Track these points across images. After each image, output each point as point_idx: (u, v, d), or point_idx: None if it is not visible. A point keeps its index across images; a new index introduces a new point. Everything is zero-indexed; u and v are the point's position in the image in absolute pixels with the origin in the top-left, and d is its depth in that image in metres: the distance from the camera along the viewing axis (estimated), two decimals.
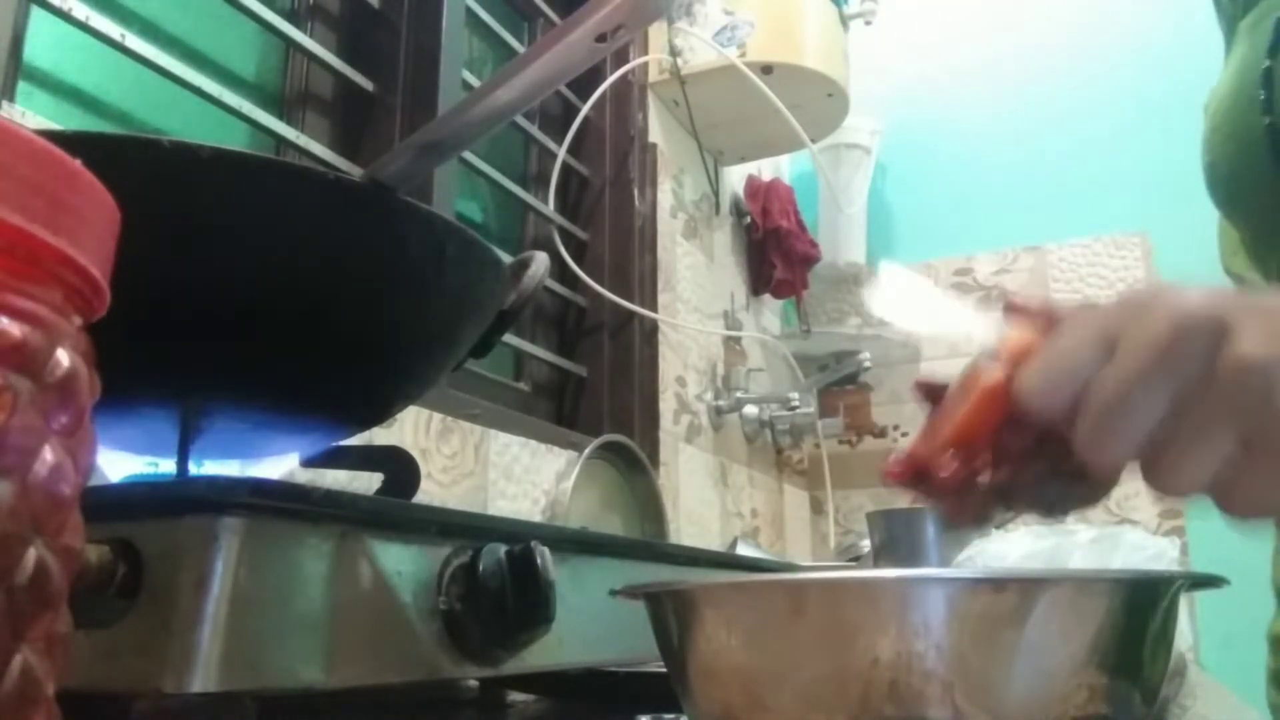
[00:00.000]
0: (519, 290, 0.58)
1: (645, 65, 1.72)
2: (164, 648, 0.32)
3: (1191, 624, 1.69)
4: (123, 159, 0.40)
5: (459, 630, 0.41)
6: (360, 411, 0.56)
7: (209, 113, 0.97)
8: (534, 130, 1.55)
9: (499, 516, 0.66)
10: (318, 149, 1.11)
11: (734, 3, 1.69)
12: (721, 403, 1.83)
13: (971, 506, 0.41)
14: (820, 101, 1.76)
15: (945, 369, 0.42)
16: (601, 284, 1.54)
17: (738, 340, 1.97)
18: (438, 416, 1.10)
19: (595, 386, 1.56)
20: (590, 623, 0.50)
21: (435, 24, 1.24)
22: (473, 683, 0.63)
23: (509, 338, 1.29)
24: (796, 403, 1.91)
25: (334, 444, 0.58)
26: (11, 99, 0.79)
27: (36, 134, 0.19)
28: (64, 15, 0.82)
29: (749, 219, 2.04)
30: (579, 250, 1.60)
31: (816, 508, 2.23)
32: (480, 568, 0.42)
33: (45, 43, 0.85)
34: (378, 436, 0.92)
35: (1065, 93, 2.18)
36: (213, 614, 0.32)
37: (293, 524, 0.36)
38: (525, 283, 0.59)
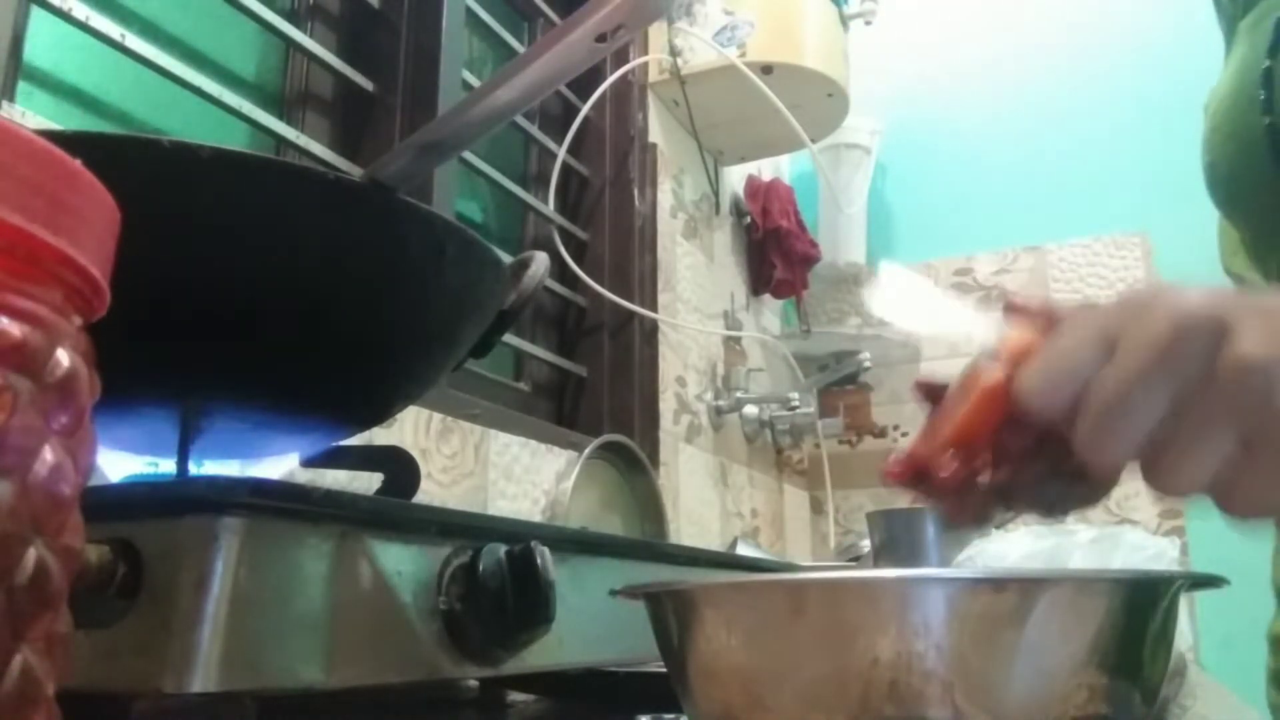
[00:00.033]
0: (519, 290, 0.58)
1: (645, 65, 1.72)
2: (164, 648, 0.32)
3: (1191, 624, 1.69)
4: (123, 159, 0.40)
5: (459, 630, 0.41)
6: (360, 411, 0.56)
7: (209, 113, 0.97)
8: (534, 130, 1.55)
9: (499, 516, 0.66)
10: (318, 149, 1.11)
11: (734, 3, 1.69)
12: (721, 403, 1.83)
13: (971, 506, 0.41)
14: (820, 101, 1.76)
15: (945, 369, 0.42)
16: (601, 284, 1.54)
17: (738, 340, 1.97)
18: (438, 416, 1.10)
19: (595, 386, 1.56)
20: (590, 623, 0.50)
21: (435, 24, 1.24)
22: (473, 683, 0.63)
23: (509, 338, 1.29)
24: (796, 403, 1.91)
25: (334, 444, 0.58)
26: (11, 99, 0.79)
27: (36, 134, 0.19)
28: (64, 15, 0.82)
29: (749, 219, 2.04)
30: (579, 250, 1.60)
31: (816, 508, 2.23)
32: (480, 568, 0.42)
33: (45, 43, 0.85)
34: (378, 436, 0.92)
35: (1065, 93, 2.18)
36: (213, 614, 0.32)
37: (293, 524, 0.36)
38: (525, 283, 0.59)
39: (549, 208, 1.52)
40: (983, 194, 2.23)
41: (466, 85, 1.28)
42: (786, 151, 2.09)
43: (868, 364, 2.03)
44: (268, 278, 0.44)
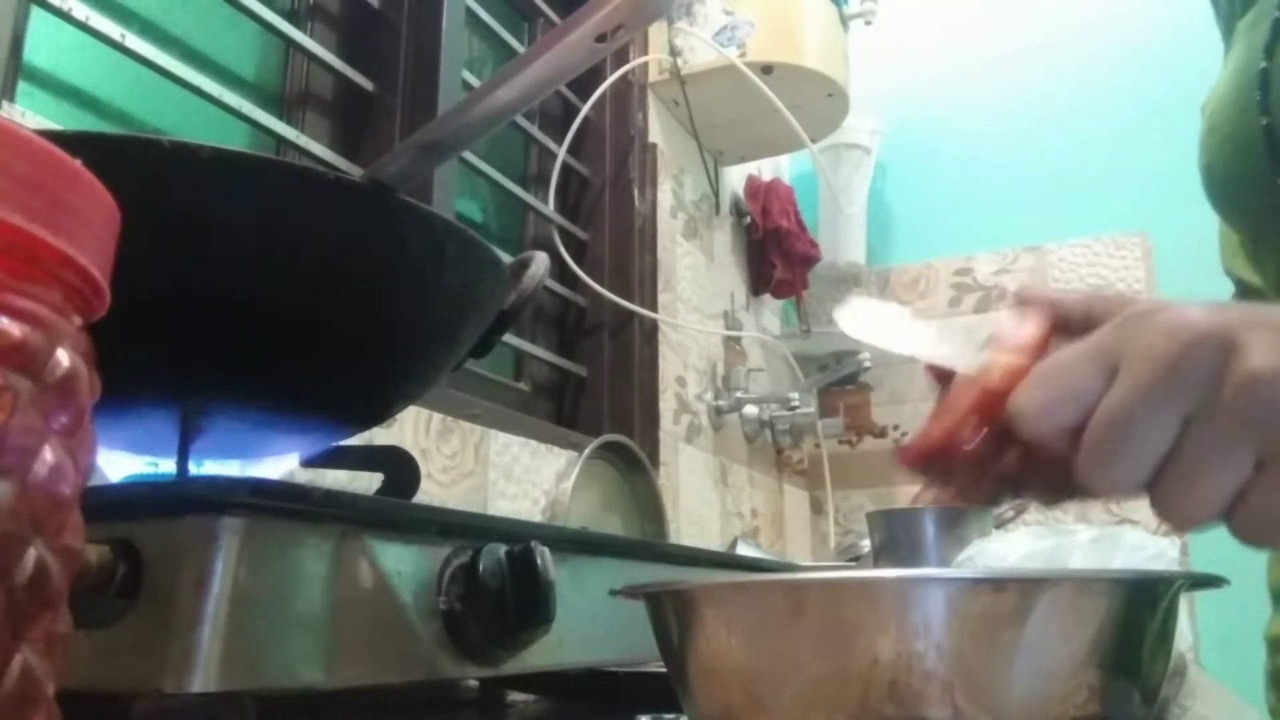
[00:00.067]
0: (519, 290, 0.58)
1: (645, 65, 1.72)
2: (164, 648, 0.32)
3: (1191, 624, 1.69)
4: (123, 159, 0.40)
5: (459, 630, 0.41)
6: (360, 411, 0.56)
7: (209, 113, 0.97)
8: (534, 130, 1.55)
9: (499, 516, 0.66)
10: (318, 149, 1.11)
11: (734, 3, 1.69)
12: (721, 403, 1.83)
13: (986, 485, 0.41)
14: (820, 101, 1.76)
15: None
16: (601, 284, 1.54)
17: (738, 340, 1.97)
18: (438, 416, 1.10)
19: (595, 386, 1.56)
20: (590, 623, 0.50)
21: (435, 24, 1.24)
22: (473, 683, 0.63)
23: (509, 338, 1.29)
24: (796, 403, 1.91)
25: (334, 444, 0.58)
26: (11, 99, 0.79)
27: (36, 134, 0.19)
28: (64, 15, 0.82)
29: (749, 219, 2.04)
30: (579, 250, 1.60)
31: (816, 508, 2.23)
32: (480, 568, 0.42)
33: (45, 43, 0.85)
34: (378, 436, 0.92)
35: (1065, 93, 2.18)
36: (213, 614, 0.32)
37: (293, 524, 0.36)
38: (525, 283, 0.59)
39: (549, 208, 1.52)
40: (983, 194, 2.23)
41: (466, 85, 1.28)
42: (786, 151, 2.10)
43: (868, 364, 2.03)
44: (268, 278, 0.44)
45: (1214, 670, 0.73)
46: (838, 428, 2.08)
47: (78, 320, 0.21)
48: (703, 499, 1.72)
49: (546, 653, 0.46)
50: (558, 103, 1.65)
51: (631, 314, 1.57)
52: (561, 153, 1.53)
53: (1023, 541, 0.64)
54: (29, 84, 0.84)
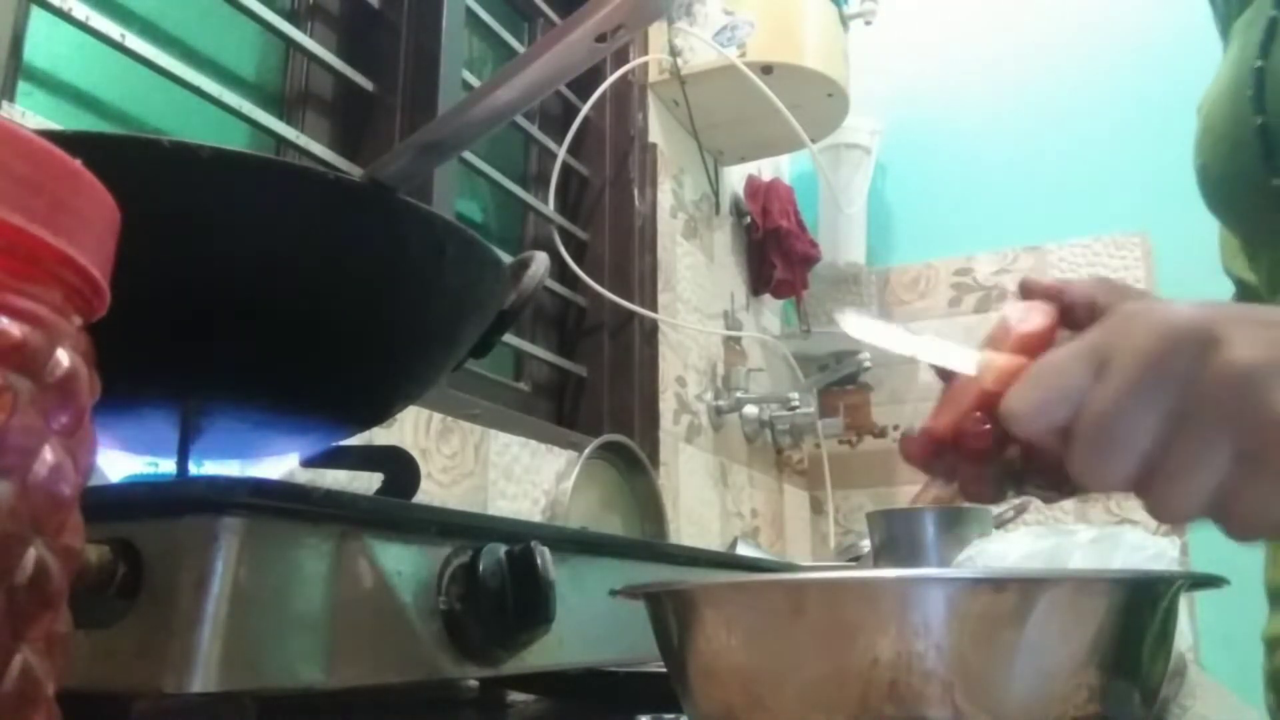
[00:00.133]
0: (519, 290, 0.58)
1: (645, 65, 1.72)
2: (164, 648, 0.32)
3: (1191, 624, 1.69)
4: (123, 159, 0.40)
5: (459, 630, 0.41)
6: (360, 411, 0.56)
7: (209, 113, 0.97)
8: (534, 130, 1.55)
9: (499, 516, 0.66)
10: (318, 149, 1.11)
11: (734, 3, 1.69)
12: (721, 403, 1.83)
13: (989, 480, 0.41)
14: (820, 101, 1.76)
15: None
16: (601, 284, 1.54)
17: (738, 340, 1.97)
18: (438, 416, 1.10)
19: (595, 386, 1.56)
20: (590, 623, 0.50)
21: (435, 24, 1.24)
22: (473, 683, 0.63)
23: (509, 338, 1.29)
24: (796, 403, 1.91)
25: (334, 444, 0.58)
26: (11, 99, 0.79)
27: (36, 134, 0.19)
28: (64, 15, 0.82)
29: (749, 219, 2.04)
30: (579, 250, 1.60)
31: (816, 508, 2.23)
32: (480, 568, 0.42)
33: (45, 43, 0.85)
34: (378, 436, 0.92)
35: (1065, 93, 2.18)
36: (213, 614, 0.32)
37: (293, 524, 0.36)
38: (525, 283, 0.59)
39: (549, 208, 1.52)
40: (983, 194, 2.23)
41: (466, 85, 1.28)
42: (786, 151, 2.10)
43: (868, 364, 2.03)
44: (268, 278, 0.44)
45: (1214, 670, 0.73)
46: (838, 428, 2.08)
47: (78, 320, 0.21)
48: (703, 499, 1.72)
49: (546, 653, 0.46)
50: (558, 103, 1.65)
51: (631, 314, 1.57)
52: (561, 153, 1.53)
53: (1023, 541, 0.64)
54: (29, 84, 0.84)
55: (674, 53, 1.70)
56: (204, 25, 1.04)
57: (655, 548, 0.79)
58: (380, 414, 0.60)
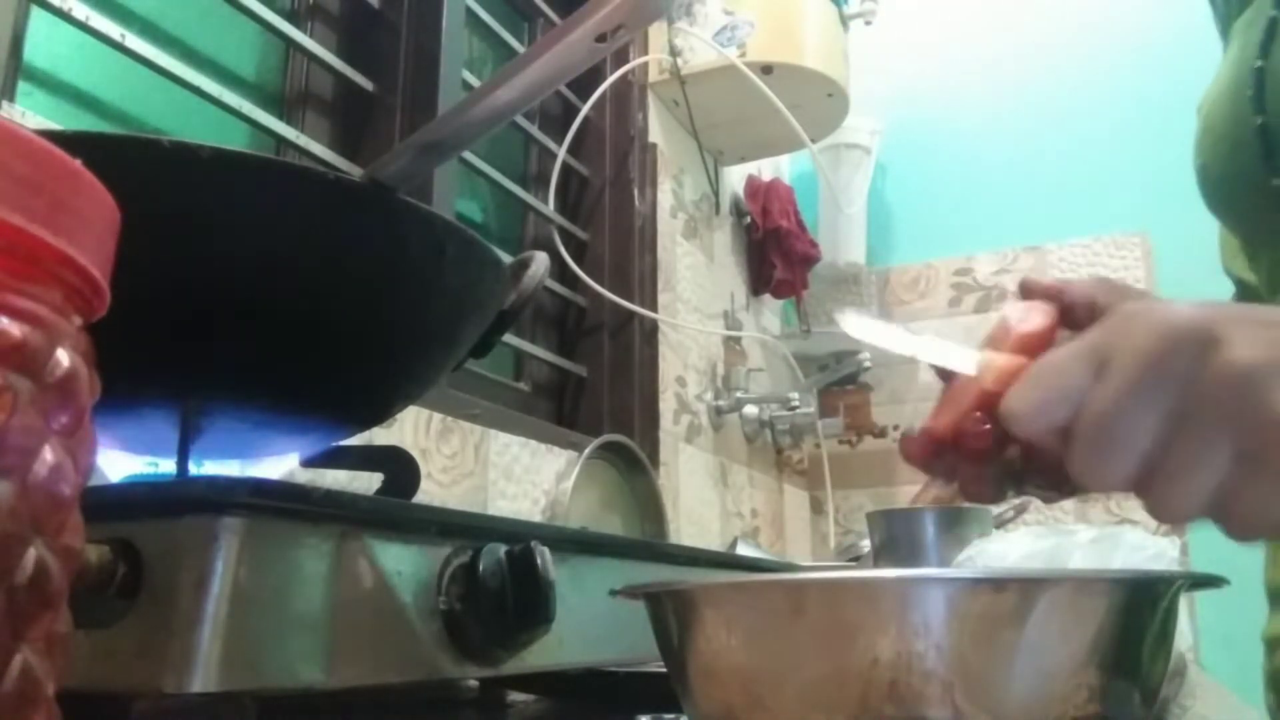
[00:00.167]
0: (519, 290, 0.58)
1: (645, 65, 1.72)
2: (164, 648, 0.32)
3: (1191, 624, 1.69)
4: (123, 159, 0.40)
5: (459, 630, 0.41)
6: (360, 411, 0.56)
7: (209, 113, 0.97)
8: (534, 130, 1.55)
9: (499, 516, 0.66)
10: (318, 149, 1.11)
11: (734, 3, 1.69)
12: (721, 403, 1.83)
13: (989, 480, 0.41)
14: (820, 101, 1.76)
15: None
16: (601, 284, 1.54)
17: (738, 340, 1.97)
18: (438, 416, 1.10)
19: (595, 386, 1.56)
20: (590, 623, 0.50)
21: (435, 24, 1.24)
22: (473, 683, 0.63)
23: (509, 338, 1.29)
24: (796, 403, 1.91)
25: (334, 444, 0.58)
26: (11, 99, 0.79)
27: (36, 134, 0.19)
28: (64, 15, 0.82)
29: (749, 219, 2.04)
30: (579, 250, 1.60)
31: (816, 508, 2.23)
32: (480, 568, 0.42)
33: (45, 43, 0.85)
34: (378, 436, 0.92)
35: (1065, 93, 2.18)
36: (213, 614, 0.32)
37: (293, 524, 0.36)
38: (525, 283, 0.59)
39: (549, 208, 1.52)
40: (983, 194, 2.23)
41: (466, 85, 1.28)
42: (786, 151, 2.09)
43: (868, 364, 2.03)
44: (268, 277, 0.44)
45: (1214, 670, 0.73)
46: (838, 428, 2.08)
47: (78, 320, 0.21)
48: (703, 499, 1.72)
49: (546, 653, 0.46)
50: (558, 103, 1.65)
51: (631, 314, 1.57)
52: (561, 153, 1.53)
53: (1023, 541, 0.64)
54: (29, 84, 0.84)
55: (674, 53, 1.70)
56: (204, 25, 1.04)
57: (655, 548, 0.79)
58: (380, 414, 0.60)
